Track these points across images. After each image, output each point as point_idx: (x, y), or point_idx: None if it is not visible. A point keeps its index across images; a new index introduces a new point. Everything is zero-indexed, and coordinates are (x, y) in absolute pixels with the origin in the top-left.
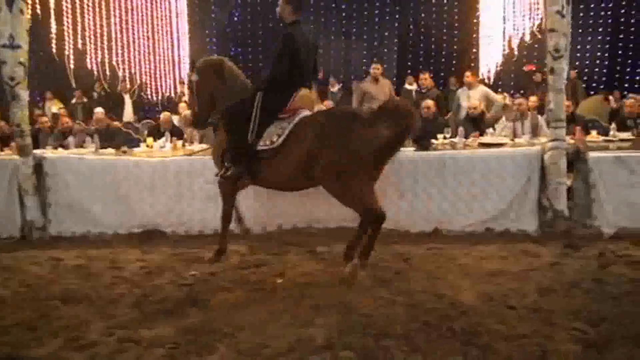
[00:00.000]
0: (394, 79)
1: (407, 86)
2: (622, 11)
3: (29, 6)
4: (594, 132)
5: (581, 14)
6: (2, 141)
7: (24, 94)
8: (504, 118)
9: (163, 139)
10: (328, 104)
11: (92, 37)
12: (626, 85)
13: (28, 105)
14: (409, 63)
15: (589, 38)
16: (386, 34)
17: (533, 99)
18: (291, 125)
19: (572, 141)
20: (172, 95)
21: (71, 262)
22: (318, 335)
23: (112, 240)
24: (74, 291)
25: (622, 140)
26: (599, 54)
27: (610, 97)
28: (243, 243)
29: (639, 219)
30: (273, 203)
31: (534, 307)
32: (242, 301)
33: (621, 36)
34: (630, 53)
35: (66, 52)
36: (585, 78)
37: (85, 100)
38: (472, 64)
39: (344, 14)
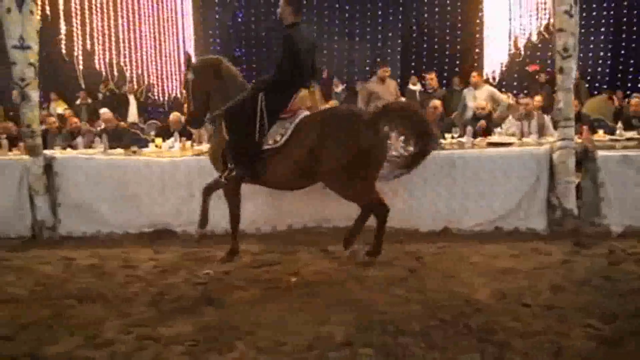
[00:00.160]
0: (398, 80)
1: (410, 87)
2: (625, 11)
3: (39, 7)
4: (600, 132)
5: (584, 14)
6: (10, 142)
7: (34, 95)
8: (510, 117)
9: (172, 139)
10: (333, 103)
11: (100, 38)
12: (629, 84)
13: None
14: (413, 64)
15: (592, 38)
16: (389, 34)
17: (538, 99)
18: (293, 124)
19: (580, 140)
20: (178, 95)
21: (84, 261)
22: (336, 332)
23: (122, 240)
24: (88, 290)
25: (628, 139)
26: (601, 53)
27: (615, 97)
28: (254, 242)
29: None
30: (283, 203)
31: (547, 304)
32: (258, 299)
33: (624, 36)
34: (632, 53)
35: (75, 53)
36: (588, 78)
37: (89, 101)
38: (476, 64)
39: (347, 15)
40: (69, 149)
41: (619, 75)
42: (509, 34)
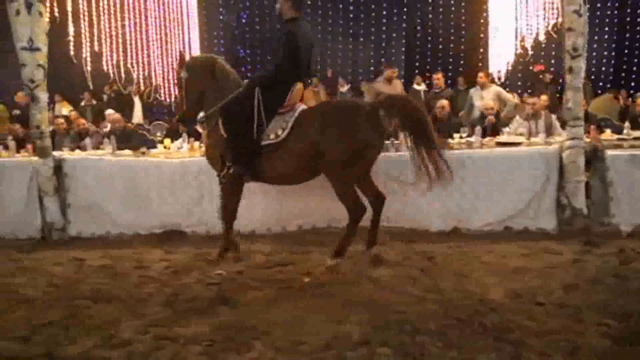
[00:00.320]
0: (402, 80)
1: (415, 86)
2: (628, 10)
3: (47, 9)
4: (608, 131)
5: (587, 14)
6: (17, 144)
7: (44, 96)
8: (517, 117)
9: (180, 139)
10: None
11: (107, 39)
12: (632, 84)
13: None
14: (417, 64)
15: (595, 37)
16: (393, 34)
17: (544, 98)
18: (293, 118)
19: (588, 140)
20: None
21: (95, 262)
22: (353, 332)
23: (132, 240)
24: (102, 291)
25: (635, 138)
26: (605, 53)
27: (620, 96)
28: (265, 243)
29: None
30: (293, 203)
31: (561, 303)
32: (272, 299)
33: (627, 35)
34: (636, 52)
35: (83, 55)
36: (592, 77)
37: (94, 102)
38: (480, 64)
39: (351, 15)
40: (77, 150)
41: (623, 75)
42: (515, 33)
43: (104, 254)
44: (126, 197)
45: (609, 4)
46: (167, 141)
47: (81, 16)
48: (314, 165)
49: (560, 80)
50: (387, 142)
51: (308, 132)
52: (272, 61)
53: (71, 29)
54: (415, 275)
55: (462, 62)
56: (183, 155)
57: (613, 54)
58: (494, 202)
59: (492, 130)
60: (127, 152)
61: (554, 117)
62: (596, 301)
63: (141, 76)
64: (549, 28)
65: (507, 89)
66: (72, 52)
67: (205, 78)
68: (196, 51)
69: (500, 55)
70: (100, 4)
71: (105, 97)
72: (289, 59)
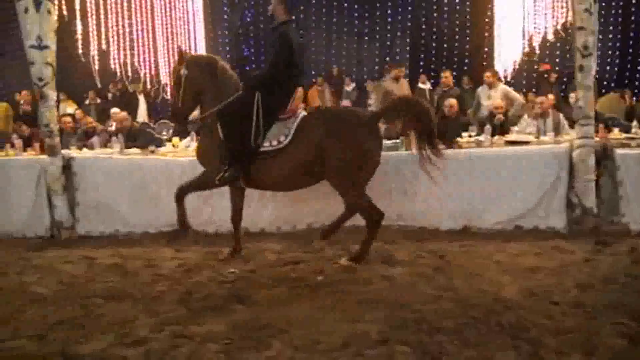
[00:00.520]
0: (407, 79)
1: (420, 85)
2: (633, 9)
3: (56, 7)
4: (616, 130)
5: None
6: (24, 142)
7: (52, 94)
8: (526, 116)
9: (188, 138)
10: (346, 103)
11: (115, 37)
12: (637, 83)
13: None
14: (421, 62)
15: (600, 37)
16: (398, 33)
17: (551, 98)
18: (295, 124)
19: (598, 139)
20: None
21: (105, 260)
22: (371, 330)
23: (141, 239)
24: (115, 289)
25: None
26: (609, 52)
27: (626, 95)
28: (276, 241)
29: None
30: (303, 202)
31: (576, 302)
32: (287, 298)
33: (632, 35)
34: None
35: (91, 53)
36: (596, 77)
37: (98, 101)
38: (485, 63)
39: (356, 14)
40: (84, 149)
41: (627, 74)
42: (522, 32)
43: (114, 253)
44: (135, 196)
45: (613, 3)
46: (175, 140)
47: (89, 14)
48: (313, 173)
49: (565, 80)
50: (397, 141)
51: (311, 140)
52: (267, 63)
53: (79, 27)
54: (428, 274)
55: (466, 60)
56: (191, 154)
57: (617, 53)
58: (504, 201)
59: (501, 129)
60: (135, 150)
61: (561, 116)
62: (611, 300)
63: (148, 75)
64: (558, 27)
65: (513, 89)
66: (80, 50)
67: (205, 77)
68: (202, 50)
69: (507, 54)
70: (108, 2)
71: (110, 95)
72: (284, 60)
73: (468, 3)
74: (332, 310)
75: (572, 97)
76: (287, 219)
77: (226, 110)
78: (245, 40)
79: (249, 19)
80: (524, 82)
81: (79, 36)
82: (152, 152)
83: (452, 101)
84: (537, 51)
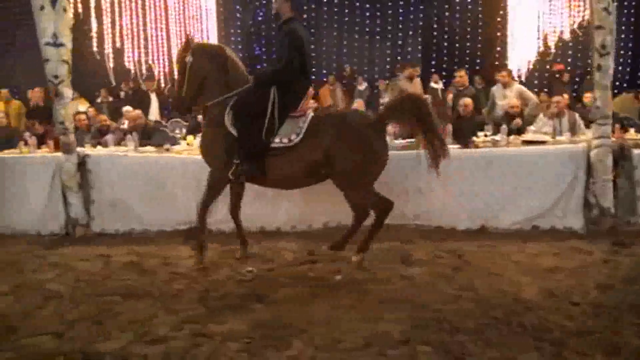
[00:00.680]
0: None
1: (432, 85)
2: None
3: (71, 4)
4: (632, 130)
5: None
6: (38, 140)
7: (68, 92)
8: (541, 115)
9: None
10: (360, 103)
11: (129, 35)
12: None
13: None
14: (433, 62)
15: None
16: (410, 32)
17: (566, 97)
18: (306, 124)
19: (615, 139)
20: None
21: (121, 258)
22: (392, 330)
23: (156, 237)
24: (132, 287)
25: None
26: (622, 52)
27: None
28: (292, 240)
29: None
30: (318, 201)
31: (596, 303)
32: (306, 297)
33: None
34: None
35: (106, 51)
36: None
37: (110, 99)
38: (497, 62)
39: (367, 13)
40: (98, 147)
41: (639, 74)
42: (537, 31)
43: (130, 251)
44: (151, 194)
45: (625, 3)
46: (189, 137)
47: (104, 12)
48: (318, 174)
49: (577, 79)
50: (412, 140)
51: (321, 142)
52: (281, 59)
53: (94, 25)
54: (447, 273)
55: (478, 60)
56: None
57: (630, 53)
58: (521, 201)
59: (517, 129)
60: (150, 148)
61: (577, 115)
62: (632, 301)
63: (162, 73)
64: (575, 26)
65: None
66: (95, 48)
67: (211, 66)
68: None
69: (521, 54)
70: (122, 0)
71: (122, 94)
72: (296, 57)
73: (480, 2)
74: (352, 309)
75: (586, 97)
76: (303, 218)
77: (240, 104)
78: (256, 39)
79: (260, 18)
80: (535, 81)
81: (94, 34)
82: (167, 150)
83: (467, 100)
84: (552, 50)
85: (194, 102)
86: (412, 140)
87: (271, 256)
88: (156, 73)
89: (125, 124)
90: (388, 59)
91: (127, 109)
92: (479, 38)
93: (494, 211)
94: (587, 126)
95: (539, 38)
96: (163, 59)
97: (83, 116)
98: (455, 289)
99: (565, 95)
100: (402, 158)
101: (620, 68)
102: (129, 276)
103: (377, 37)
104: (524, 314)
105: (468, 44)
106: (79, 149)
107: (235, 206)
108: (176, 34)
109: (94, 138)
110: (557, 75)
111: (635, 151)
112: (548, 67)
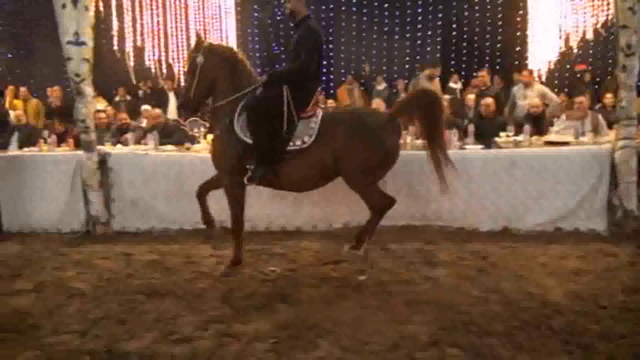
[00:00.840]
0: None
1: (451, 84)
2: None
3: (93, 3)
4: None
5: None
6: (58, 138)
7: (89, 90)
8: (563, 116)
9: None
10: (379, 102)
11: (149, 34)
12: None
13: None
14: (452, 62)
15: None
16: (429, 32)
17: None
18: (317, 124)
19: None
20: None
21: (143, 257)
22: (420, 332)
23: (177, 236)
24: (156, 285)
25: None
26: None
27: None
28: (313, 240)
29: None
30: (339, 201)
31: (624, 306)
32: (331, 297)
33: None
34: None
35: (126, 49)
36: None
37: (128, 97)
38: (517, 62)
39: (386, 13)
40: (118, 145)
41: None
42: (559, 31)
43: (151, 249)
44: (172, 193)
45: None
46: (210, 136)
47: (125, 11)
48: (328, 175)
49: (598, 80)
50: None
51: (333, 141)
52: (296, 58)
53: (115, 24)
54: (472, 275)
55: (498, 60)
56: None
57: None
58: (544, 202)
59: (538, 129)
60: (170, 147)
61: (600, 117)
62: None
63: (181, 71)
64: (598, 26)
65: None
66: (115, 47)
67: (222, 67)
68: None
69: (541, 54)
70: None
71: (140, 92)
72: (315, 56)
73: (500, 1)
74: (378, 310)
75: (607, 97)
76: (324, 217)
77: (253, 106)
78: (275, 37)
79: (278, 17)
80: (556, 82)
81: (115, 32)
82: (188, 149)
83: (489, 100)
84: (575, 50)
85: (202, 103)
86: None
87: (293, 256)
88: (175, 72)
89: (144, 123)
90: (407, 59)
91: (146, 107)
92: (499, 38)
93: (517, 212)
94: (609, 127)
95: (560, 38)
96: (182, 58)
97: (103, 114)
98: (481, 291)
99: (587, 96)
100: (424, 158)
101: None
102: (151, 275)
103: (396, 37)
104: (553, 317)
105: (487, 44)
106: (99, 147)
107: (207, 190)
108: (195, 32)
109: (113, 136)
110: (579, 76)
111: None
112: (568, 67)
